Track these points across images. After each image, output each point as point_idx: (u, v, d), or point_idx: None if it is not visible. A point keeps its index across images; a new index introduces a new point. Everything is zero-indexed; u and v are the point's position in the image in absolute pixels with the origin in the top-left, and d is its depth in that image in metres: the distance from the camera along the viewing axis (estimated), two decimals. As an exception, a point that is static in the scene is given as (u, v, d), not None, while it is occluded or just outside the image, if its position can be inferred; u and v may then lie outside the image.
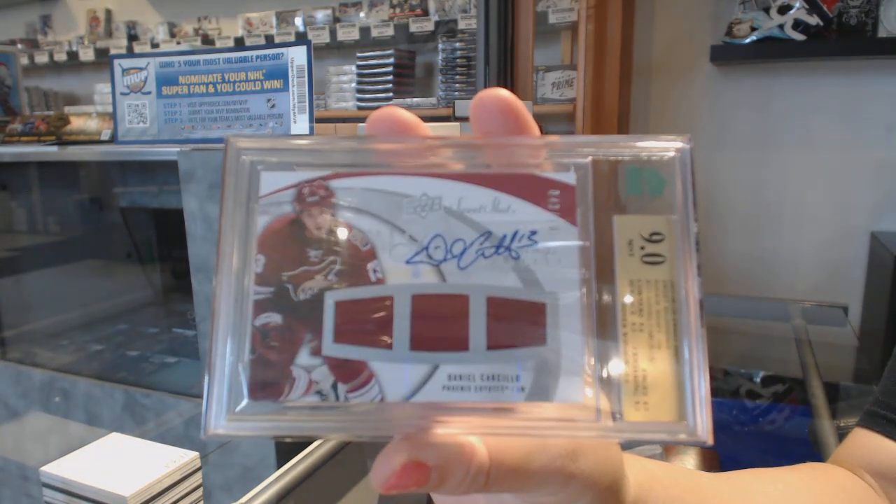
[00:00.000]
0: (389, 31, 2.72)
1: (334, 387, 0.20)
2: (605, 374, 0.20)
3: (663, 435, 0.19)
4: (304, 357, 0.20)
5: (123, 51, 3.32)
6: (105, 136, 1.29)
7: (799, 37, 1.94)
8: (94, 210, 1.43)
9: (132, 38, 3.43)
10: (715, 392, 1.15)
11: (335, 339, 0.20)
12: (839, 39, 1.95)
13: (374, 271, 0.21)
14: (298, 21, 2.96)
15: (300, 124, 1.01)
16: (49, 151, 1.26)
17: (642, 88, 2.31)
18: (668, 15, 2.26)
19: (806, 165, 2.14)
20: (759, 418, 1.07)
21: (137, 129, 1.15)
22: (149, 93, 1.14)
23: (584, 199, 0.21)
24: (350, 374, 0.20)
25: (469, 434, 0.20)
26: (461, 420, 0.20)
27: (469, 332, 0.20)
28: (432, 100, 2.63)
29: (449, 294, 0.20)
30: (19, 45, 3.63)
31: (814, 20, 1.91)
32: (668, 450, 0.85)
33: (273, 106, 1.04)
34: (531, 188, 0.21)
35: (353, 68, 2.78)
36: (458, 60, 2.55)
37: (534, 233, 0.21)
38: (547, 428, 0.20)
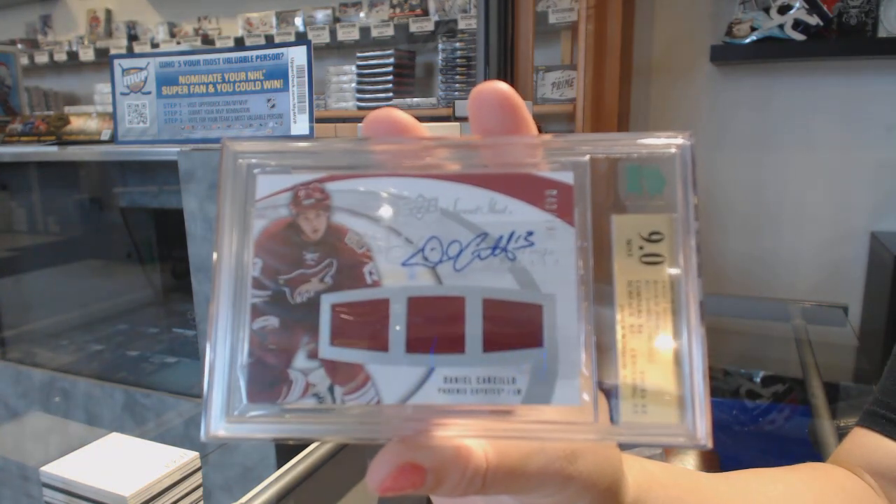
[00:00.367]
0: (389, 31, 2.72)
1: (331, 389, 0.20)
2: (602, 377, 0.20)
3: (662, 438, 0.19)
4: (301, 360, 0.20)
5: (123, 51, 3.32)
6: (105, 136, 1.29)
7: (799, 37, 1.94)
8: (94, 210, 1.43)
9: (132, 38, 3.43)
10: (715, 392, 1.15)
11: (332, 342, 0.20)
12: (839, 39, 1.95)
13: (371, 274, 0.21)
14: (298, 21, 2.96)
15: (300, 124, 1.01)
16: (49, 151, 1.26)
17: (642, 88, 2.31)
18: (668, 15, 2.26)
19: (806, 165, 2.14)
20: (759, 418, 1.07)
21: (137, 129, 1.15)
22: (149, 93, 1.14)
23: (583, 199, 0.21)
24: (347, 376, 0.20)
25: (466, 437, 0.20)
26: (458, 423, 0.20)
27: (465, 334, 0.20)
28: (432, 100, 2.63)
29: (445, 296, 0.20)
30: (19, 45, 3.63)
31: (814, 20, 1.91)
32: (667, 450, 0.85)
33: (273, 106, 1.04)
34: (528, 188, 0.21)
35: (353, 68, 2.78)
36: (458, 60, 2.55)
37: (531, 233, 0.20)
38: (544, 431, 0.19)
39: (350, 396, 0.20)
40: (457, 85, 2.57)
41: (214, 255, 0.21)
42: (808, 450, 0.90)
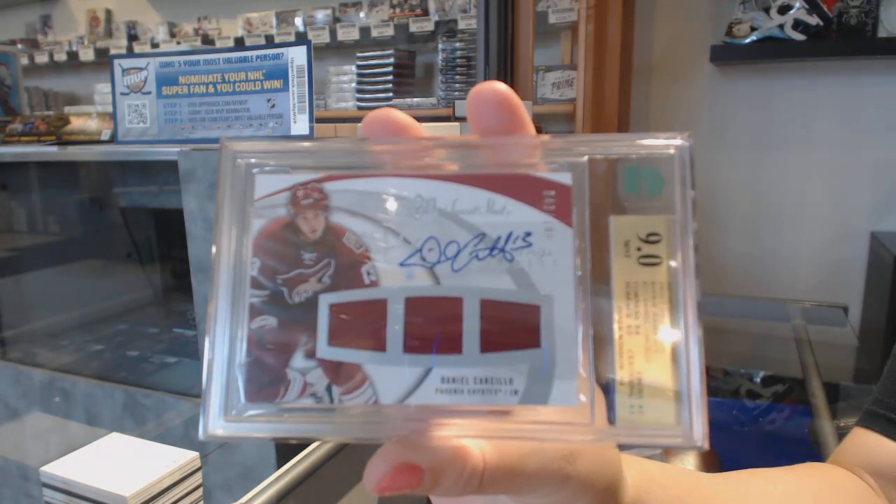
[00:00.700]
0: (389, 31, 2.72)
1: (329, 389, 0.20)
2: (600, 377, 0.20)
3: (659, 438, 0.19)
4: (299, 360, 0.20)
5: (123, 51, 3.32)
6: (105, 136, 1.29)
7: (799, 37, 1.94)
8: (94, 210, 1.43)
9: (132, 38, 3.43)
10: (715, 392, 1.15)
11: (329, 342, 0.20)
12: (839, 39, 1.95)
13: (368, 274, 0.21)
14: (298, 21, 2.96)
15: (300, 124, 1.01)
16: (49, 151, 1.26)
17: (642, 88, 2.31)
18: (668, 15, 2.26)
19: (806, 165, 2.14)
20: (759, 418, 1.07)
21: (137, 129, 1.15)
22: (149, 93, 1.14)
23: (581, 200, 0.21)
24: (344, 376, 0.20)
25: (463, 437, 0.20)
26: (455, 423, 0.20)
27: (462, 334, 0.20)
28: (432, 100, 2.63)
29: (442, 297, 0.20)
30: (19, 45, 3.63)
31: (814, 20, 1.91)
32: (667, 451, 0.85)
33: (273, 106, 1.04)
34: (526, 189, 0.21)
35: (353, 68, 2.78)
36: (458, 60, 2.55)
37: (528, 234, 0.20)
38: (541, 431, 0.20)
39: (347, 396, 0.20)
40: (457, 85, 2.57)
41: (213, 256, 0.21)
42: (808, 450, 0.90)
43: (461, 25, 2.55)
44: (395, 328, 0.20)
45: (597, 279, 0.20)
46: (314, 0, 2.97)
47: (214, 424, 0.20)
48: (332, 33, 2.83)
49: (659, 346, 0.20)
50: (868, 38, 1.92)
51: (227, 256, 0.21)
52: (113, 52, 3.30)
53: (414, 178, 0.21)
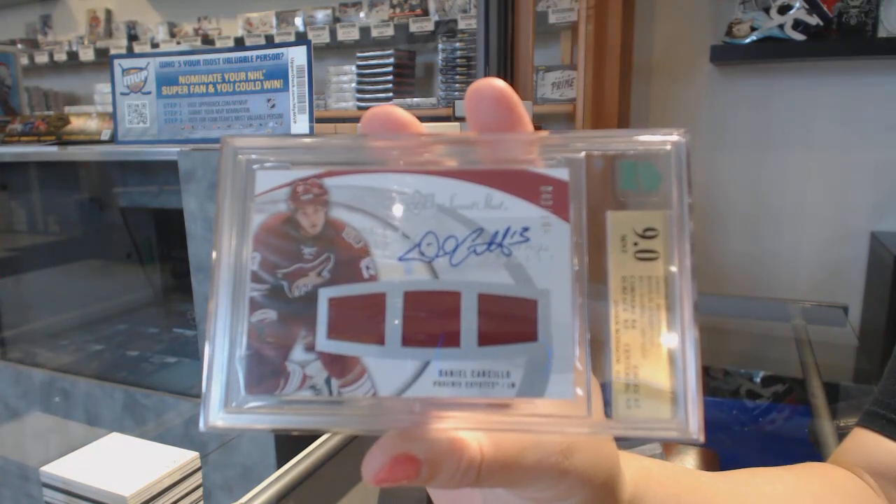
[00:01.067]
0: (389, 31, 2.72)
1: (328, 381, 0.20)
2: (596, 371, 0.20)
3: (655, 432, 0.19)
4: (298, 352, 0.20)
5: (123, 51, 3.32)
6: (105, 136, 1.29)
7: (799, 37, 1.94)
8: (94, 210, 1.43)
9: (132, 38, 3.44)
10: (715, 392, 1.15)
11: (328, 335, 0.20)
12: (839, 39, 1.95)
13: (367, 268, 0.21)
14: (298, 21, 2.96)
15: (300, 124, 1.01)
16: (49, 151, 1.26)
17: (642, 88, 2.31)
18: (668, 15, 2.26)
19: (806, 165, 2.14)
20: (759, 418, 1.07)
21: (137, 129, 1.15)
22: (149, 93, 1.14)
23: (578, 195, 0.21)
24: (343, 369, 0.20)
25: (461, 429, 0.20)
26: (453, 415, 0.20)
27: (460, 328, 0.20)
28: (432, 100, 2.63)
29: (440, 291, 0.20)
30: (19, 45, 3.63)
31: (814, 20, 1.91)
32: (667, 449, 0.85)
33: (273, 106, 1.04)
34: (524, 184, 0.21)
35: (353, 68, 2.78)
36: (458, 60, 2.55)
37: (526, 229, 0.21)
38: (538, 424, 0.20)
39: (346, 388, 0.20)
40: (457, 85, 2.57)
41: (213, 251, 0.21)
42: (808, 450, 0.90)
43: (461, 25, 2.55)
44: (393, 322, 0.20)
45: (594, 274, 0.20)
46: (314, 0, 2.97)
47: (215, 416, 0.20)
48: (332, 33, 2.83)
49: (655, 341, 0.20)
50: (868, 38, 1.92)
51: (227, 252, 0.21)
52: (113, 52, 3.29)
53: (413, 174, 0.21)
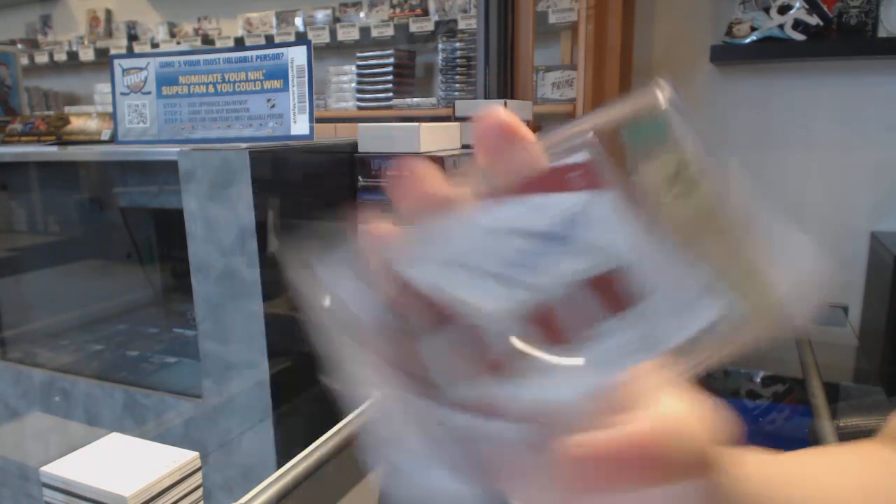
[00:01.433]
0: (389, 31, 2.72)
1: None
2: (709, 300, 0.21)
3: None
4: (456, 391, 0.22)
5: (123, 51, 3.32)
6: (105, 136, 1.29)
7: (799, 37, 1.94)
8: (93, 210, 1.43)
9: (132, 38, 3.44)
10: (715, 392, 1.15)
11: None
12: (839, 39, 1.95)
13: (474, 319, 0.21)
14: (298, 21, 2.96)
15: (300, 124, 1.01)
16: (49, 151, 1.26)
17: (642, 88, 2.31)
18: (668, 15, 2.26)
19: (806, 165, 2.14)
20: (759, 418, 1.07)
21: (137, 129, 1.15)
22: (149, 93, 1.14)
23: (604, 168, 0.21)
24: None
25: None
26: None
27: (592, 320, 0.21)
28: (432, 100, 2.63)
29: (551, 299, 0.21)
30: (19, 45, 3.63)
31: (814, 20, 1.91)
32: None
33: (273, 106, 1.04)
34: (554, 180, 0.21)
35: (353, 68, 2.78)
36: (458, 60, 2.55)
37: (578, 213, 0.21)
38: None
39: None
40: (457, 85, 2.57)
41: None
42: (808, 450, 0.90)
43: (461, 25, 2.55)
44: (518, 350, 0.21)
45: (653, 228, 0.21)
46: (314, 0, 2.97)
47: None
48: (332, 33, 2.83)
49: (737, 253, 0.21)
50: (868, 38, 1.92)
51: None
52: (113, 52, 3.29)
53: (463, 218, 0.22)
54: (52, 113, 1.91)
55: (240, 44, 3.03)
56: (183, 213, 0.93)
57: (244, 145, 0.90)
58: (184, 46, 3.15)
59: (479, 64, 1.62)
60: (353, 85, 2.80)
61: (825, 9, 1.89)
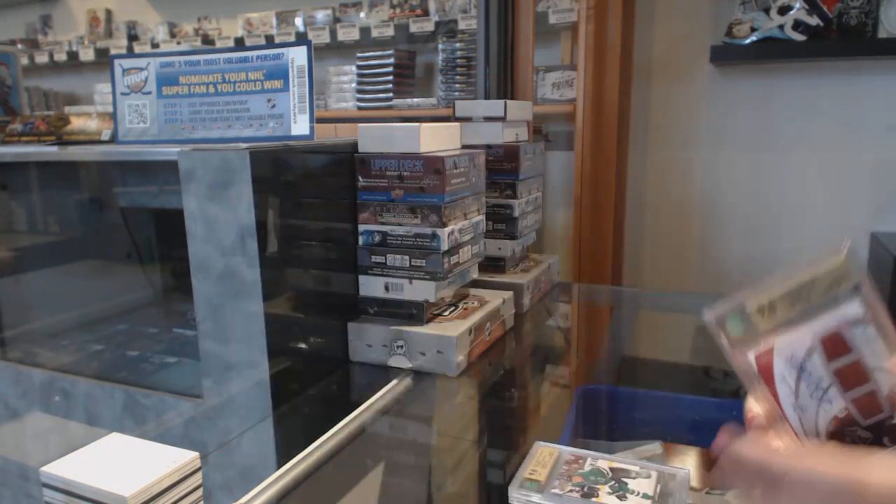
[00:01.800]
0: (389, 32, 2.72)
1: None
2: None
3: None
4: None
5: (123, 51, 3.32)
6: (105, 136, 1.29)
7: (799, 37, 1.94)
8: (94, 210, 1.43)
9: (132, 38, 3.44)
10: (715, 392, 1.15)
11: None
12: (839, 40, 1.95)
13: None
14: (298, 21, 2.96)
15: (300, 125, 1.01)
16: (49, 151, 1.26)
17: (642, 89, 2.31)
18: (668, 15, 2.26)
19: (806, 166, 2.14)
20: (759, 418, 1.06)
21: (138, 129, 1.15)
22: (149, 93, 1.14)
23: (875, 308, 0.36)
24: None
25: None
26: None
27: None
28: (432, 100, 2.63)
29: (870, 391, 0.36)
30: (19, 45, 3.63)
31: (814, 21, 1.91)
32: (668, 449, 0.85)
33: (273, 106, 1.04)
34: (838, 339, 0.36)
35: (354, 68, 2.78)
36: (458, 61, 2.55)
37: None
38: None
39: None
40: (457, 85, 2.57)
41: None
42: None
43: (461, 25, 2.55)
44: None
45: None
46: (314, 0, 2.97)
47: None
48: (333, 33, 2.83)
49: None
50: (868, 39, 1.92)
51: None
52: (113, 52, 3.30)
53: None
54: (52, 113, 1.91)
55: (240, 44, 3.03)
56: (183, 213, 0.93)
57: (244, 145, 0.90)
58: (184, 46, 3.15)
59: (480, 64, 1.62)
60: (354, 85, 2.80)
61: (825, 9, 1.89)
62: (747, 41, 2.00)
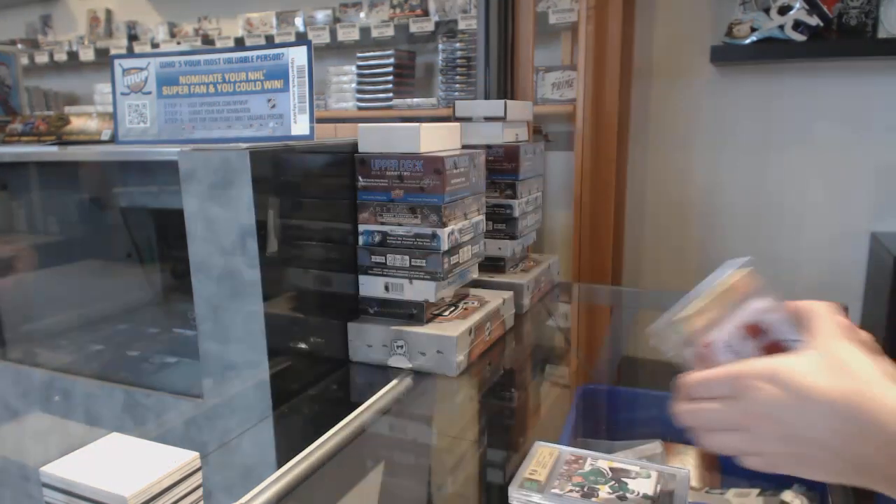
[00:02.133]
0: (389, 32, 2.72)
1: None
2: None
3: None
4: None
5: (123, 51, 3.32)
6: (105, 136, 1.29)
7: (799, 37, 1.94)
8: (94, 210, 1.43)
9: (132, 38, 3.44)
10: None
11: None
12: (839, 40, 1.95)
13: None
14: (298, 21, 2.96)
15: (300, 125, 1.01)
16: (49, 151, 1.26)
17: (642, 89, 2.31)
18: (668, 15, 2.26)
19: (806, 166, 2.14)
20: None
21: (138, 129, 1.15)
22: (149, 93, 1.14)
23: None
24: None
25: None
26: None
27: None
28: (432, 100, 2.63)
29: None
30: (19, 45, 3.63)
31: (814, 21, 1.91)
32: (668, 449, 0.85)
33: (273, 106, 1.04)
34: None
35: (354, 68, 2.79)
36: (458, 61, 2.55)
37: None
38: None
39: None
40: (457, 85, 2.57)
41: None
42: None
43: (461, 26, 2.55)
44: None
45: None
46: (314, 0, 2.97)
47: None
48: (333, 33, 2.83)
49: None
50: (868, 39, 1.93)
51: None
52: (113, 52, 3.30)
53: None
54: (52, 113, 1.91)
55: (240, 44, 3.03)
56: (183, 213, 0.93)
57: (244, 145, 0.90)
58: (184, 46, 3.15)
59: (480, 64, 1.62)
60: (354, 85, 2.80)
61: (825, 9, 1.89)
62: (747, 41, 2.00)
